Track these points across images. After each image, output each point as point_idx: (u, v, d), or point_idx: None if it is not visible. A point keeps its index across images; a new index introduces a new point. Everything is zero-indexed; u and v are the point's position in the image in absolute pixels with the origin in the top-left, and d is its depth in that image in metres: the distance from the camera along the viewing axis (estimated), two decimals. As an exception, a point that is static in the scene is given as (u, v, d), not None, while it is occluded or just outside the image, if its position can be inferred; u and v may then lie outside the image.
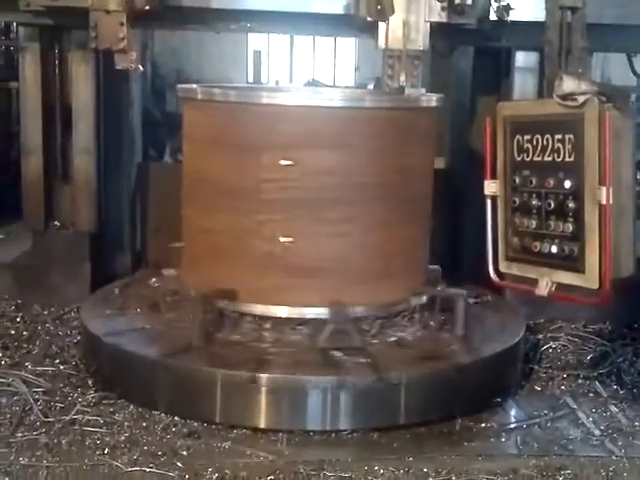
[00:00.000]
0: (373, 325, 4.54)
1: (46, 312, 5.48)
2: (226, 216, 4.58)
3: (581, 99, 3.67)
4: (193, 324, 4.30)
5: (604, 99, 3.66)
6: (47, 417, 4.03)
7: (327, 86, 11.53)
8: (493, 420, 4.21)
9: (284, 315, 4.49)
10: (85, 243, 5.72)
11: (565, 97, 3.72)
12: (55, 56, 5.75)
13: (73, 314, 5.38)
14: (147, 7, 5.06)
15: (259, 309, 4.52)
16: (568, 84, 3.71)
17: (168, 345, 4.28)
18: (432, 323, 4.63)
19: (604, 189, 3.59)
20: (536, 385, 4.68)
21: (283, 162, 4.37)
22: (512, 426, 4.19)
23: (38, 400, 4.19)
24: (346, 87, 12.66)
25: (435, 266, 5.02)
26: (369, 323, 4.53)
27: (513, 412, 4.36)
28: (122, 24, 5.08)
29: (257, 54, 15.82)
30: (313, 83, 12.05)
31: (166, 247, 5.12)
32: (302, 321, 4.50)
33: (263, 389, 4.00)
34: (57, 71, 5.77)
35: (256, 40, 16.80)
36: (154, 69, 12.96)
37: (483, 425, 4.15)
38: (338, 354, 4.19)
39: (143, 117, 7.69)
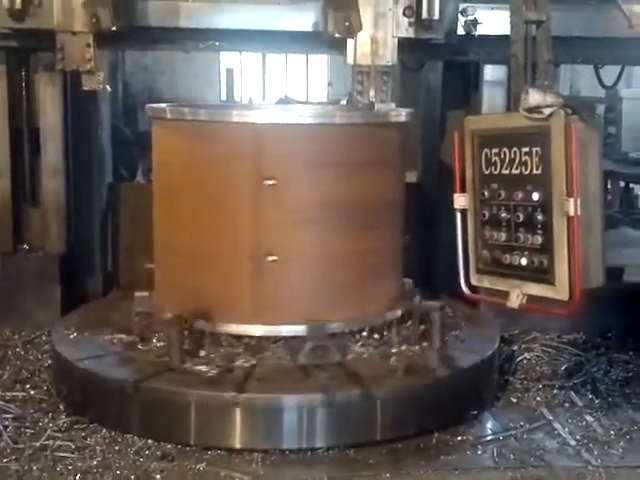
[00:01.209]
0: (349, 341, 4.52)
1: (16, 336, 5.40)
2: (197, 236, 4.55)
3: (547, 112, 3.69)
4: (169, 345, 4.26)
5: (570, 111, 3.69)
6: (17, 444, 3.96)
7: (300, 103, 11.54)
8: (469, 433, 4.19)
9: (259, 334, 4.46)
10: (55, 266, 5.66)
11: (531, 110, 3.74)
12: (22, 78, 5.70)
13: (44, 338, 5.30)
14: (114, 28, 5.04)
15: (233, 328, 4.49)
16: (534, 97, 3.74)
17: (141, 368, 4.24)
18: (407, 337, 4.61)
19: (572, 201, 3.61)
20: (512, 397, 4.68)
21: (264, 181, 4.35)
22: (488, 438, 4.18)
23: (8, 427, 4.12)
24: (318, 103, 12.68)
25: (408, 279, 5.01)
26: (344, 339, 4.51)
27: (489, 424, 4.35)
28: (89, 45, 5.08)
29: (230, 72, 15.81)
30: (286, 100, 12.06)
31: (138, 268, 5.07)
32: (277, 339, 4.46)
33: (237, 409, 3.96)
34: (24, 93, 5.72)
35: (228, 58, 16.82)
36: (125, 88, 12.94)
37: (459, 438, 4.14)
38: (314, 371, 4.17)
39: (114, 137, 7.66)
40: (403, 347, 4.55)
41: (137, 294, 4.78)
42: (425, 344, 4.55)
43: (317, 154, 4.47)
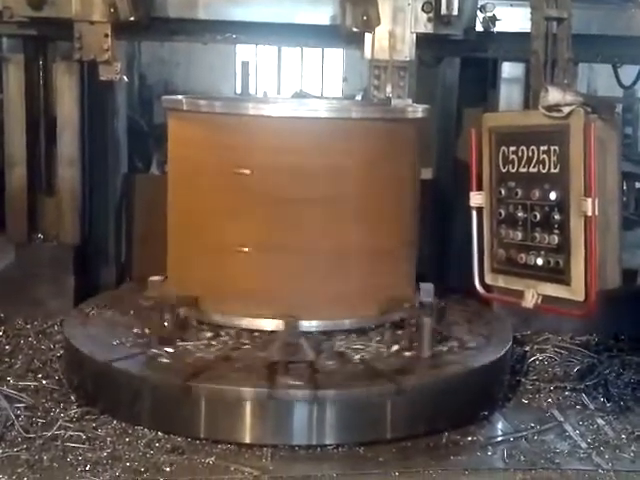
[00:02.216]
0: (354, 338, 4.51)
1: (29, 326, 5.41)
2: (200, 225, 4.57)
3: (566, 110, 3.66)
4: (150, 330, 4.31)
5: (589, 110, 3.66)
6: (28, 433, 3.97)
7: (314, 97, 11.52)
8: (480, 433, 4.17)
9: (239, 324, 4.48)
10: (69, 255, 5.66)
11: (550, 108, 3.71)
12: (39, 67, 5.71)
13: (56, 328, 5.31)
14: (132, 18, 5.03)
15: (218, 318, 4.52)
16: (553, 95, 3.71)
17: (152, 360, 4.24)
18: (420, 335, 4.58)
19: (589, 200, 3.58)
20: (523, 398, 4.65)
21: (270, 172, 4.33)
22: (499, 439, 4.16)
23: (20, 416, 4.13)
24: (333, 98, 12.66)
25: (428, 284, 4.87)
26: (323, 337, 4.49)
27: (500, 425, 4.33)
28: (106, 35, 5.06)
29: (245, 65, 15.81)
30: (301, 94, 12.05)
31: (151, 259, 5.07)
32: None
33: (247, 403, 3.96)
34: (41, 82, 5.72)
35: (244, 51, 16.81)
36: (141, 80, 12.95)
37: (470, 439, 4.12)
38: (323, 367, 4.16)
39: (130, 128, 7.64)
40: (391, 350, 4.50)
41: (151, 279, 4.79)
42: (414, 350, 4.49)
43: (332, 148, 4.45)
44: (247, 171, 4.41)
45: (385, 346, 4.48)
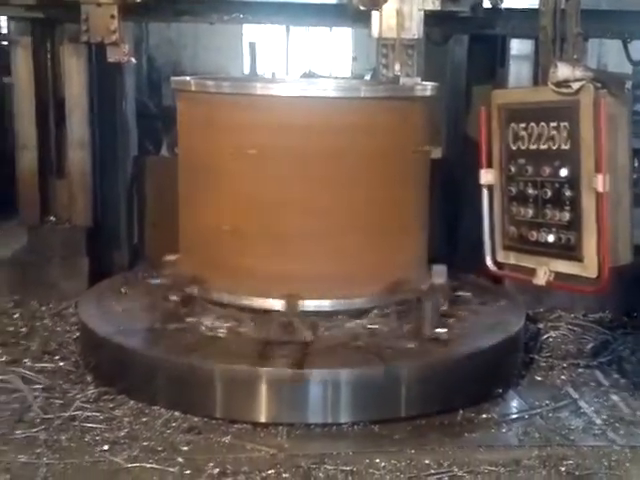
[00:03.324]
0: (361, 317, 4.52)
1: (44, 308, 5.46)
2: (209, 204, 4.59)
3: (576, 86, 3.64)
4: (154, 309, 4.37)
5: (599, 85, 3.64)
6: (46, 414, 4.01)
7: (323, 77, 11.47)
8: (494, 411, 4.19)
9: (242, 303, 4.47)
10: (82, 238, 5.70)
11: (560, 84, 3.69)
12: (47, 50, 5.72)
13: (71, 310, 5.35)
14: (139, -1, 5.03)
15: (225, 297, 4.53)
16: (562, 71, 3.69)
17: (168, 341, 4.27)
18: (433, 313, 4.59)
19: (600, 177, 3.57)
20: (537, 375, 4.67)
21: (279, 152, 4.34)
22: (513, 417, 4.18)
23: (37, 397, 4.18)
24: (342, 77, 12.60)
25: (440, 265, 4.83)
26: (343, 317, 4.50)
27: (514, 402, 4.35)
28: (113, 17, 5.06)
29: (253, 46, 15.73)
30: (310, 74, 11.99)
31: (163, 240, 5.10)
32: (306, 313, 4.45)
33: (264, 383, 3.99)
34: (50, 65, 5.74)
35: (252, 32, 16.72)
36: (150, 62, 12.90)
37: (484, 416, 4.14)
38: (338, 347, 4.18)
39: (139, 110, 7.66)
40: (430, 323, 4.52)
41: (166, 258, 4.82)
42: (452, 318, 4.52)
43: (342, 128, 4.44)
44: (254, 151, 4.41)
45: (392, 326, 4.47)
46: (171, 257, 4.84)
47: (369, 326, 4.47)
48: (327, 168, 4.45)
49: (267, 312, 4.43)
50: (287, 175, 4.43)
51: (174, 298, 4.51)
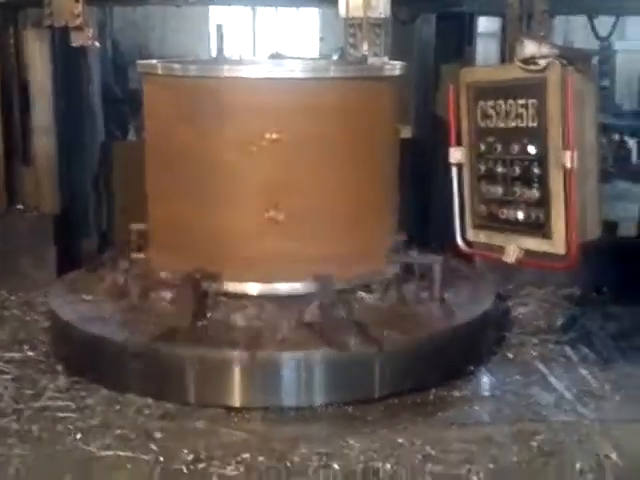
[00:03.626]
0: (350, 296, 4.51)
1: (13, 297, 5.40)
2: (194, 194, 4.51)
3: (543, 63, 3.65)
4: (181, 305, 4.26)
5: (565, 62, 3.65)
6: (17, 404, 3.97)
7: (291, 58, 11.39)
8: (466, 389, 4.22)
9: (255, 293, 4.44)
10: (50, 226, 5.63)
11: (527, 61, 3.70)
12: (10, 35, 5.63)
13: (40, 299, 5.29)
14: (102, -18, 4.96)
15: (231, 287, 4.45)
16: (529, 48, 3.69)
17: (139, 328, 4.24)
18: (405, 293, 4.61)
19: (568, 153, 3.59)
20: (508, 352, 4.70)
21: (267, 135, 4.31)
22: (485, 394, 4.22)
23: (7, 387, 4.13)
24: (310, 58, 12.53)
25: (401, 235, 4.92)
26: (346, 295, 4.48)
27: (486, 380, 4.37)
28: (77, 0, 4.98)
29: (219, 28, 15.61)
30: (277, 55, 11.90)
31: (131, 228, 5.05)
32: (274, 298, 4.44)
33: (236, 367, 3.98)
34: (13, 50, 5.65)
35: (218, 14, 16.59)
36: (115, 45, 12.74)
37: (456, 394, 4.16)
38: (313, 328, 4.17)
39: (105, 95, 7.57)
40: (398, 303, 4.53)
41: (134, 256, 4.77)
42: (421, 300, 4.54)
43: (310, 109, 4.41)
44: (229, 135, 4.37)
45: (395, 298, 4.49)
46: (139, 255, 4.79)
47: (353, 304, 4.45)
48: (294, 150, 4.42)
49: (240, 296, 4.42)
50: (254, 158, 4.40)
51: (142, 284, 4.46)
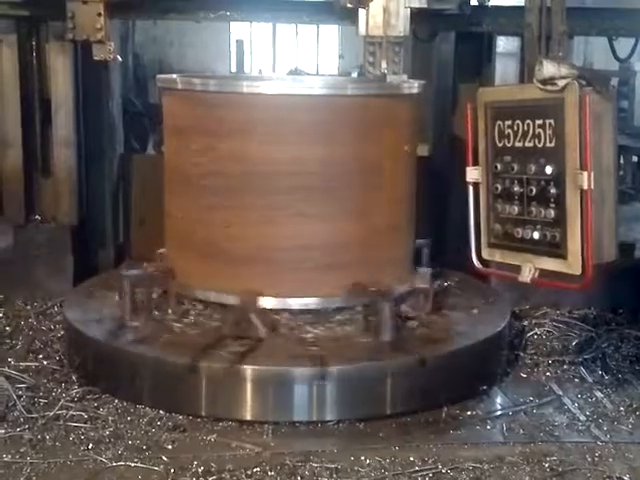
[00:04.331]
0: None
1: (29, 307, 5.43)
2: (212, 209, 4.55)
3: (561, 83, 3.65)
4: (124, 302, 4.35)
5: (584, 83, 3.65)
6: (31, 413, 3.99)
7: (310, 75, 11.47)
8: (479, 408, 4.20)
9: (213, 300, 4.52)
10: (67, 236, 5.67)
11: (545, 82, 3.70)
12: (33, 48, 5.69)
13: (56, 308, 5.33)
14: (124, -3, 5.02)
15: (190, 293, 4.57)
16: (548, 68, 3.69)
17: (153, 339, 4.26)
18: (417, 311, 4.61)
19: (585, 174, 3.58)
20: (521, 372, 4.68)
21: (265, 150, 4.32)
22: (498, 413, 4.19)
23: (21, 396, 4.15)
24: (329, 75, 12.60)
25: (424, 268, 4.89)
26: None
27: (499, 399, 4.36)
28: (99, 14, 5.05)
29: (240, 43, 15.73)
30: (296, 72, 11.99)
31: (149, 239, 5.09)
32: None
33: (249, 381, 3.98)
34: (35, 63, 5.70)
35: (239, 29, 16.72)
36: (136, 60, 12.87)
37: (469, 413, 4.15)
38: (322, 344, 4.17)
39: (125, 108, 7.64)
40: (414, 321, 4.52)
41: (149, 267, 4.81)
42: (436, 316, 4.52)
43: (329, 125, 4.44)
44: (243, 149, 4.40)
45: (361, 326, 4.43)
46: (161, 251, 4.86)
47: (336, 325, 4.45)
48: (314, 165, 4.44)
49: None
50: (274, 173, 4.41)
51: (154, 296, 4.49)
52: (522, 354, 4.88)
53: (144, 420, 3.96)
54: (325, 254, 4.49)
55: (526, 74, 4.00)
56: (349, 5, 4.87)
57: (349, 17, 5.07)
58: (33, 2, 5.25)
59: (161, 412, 4.02)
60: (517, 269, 3.90)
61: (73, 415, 3.97)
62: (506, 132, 3.92)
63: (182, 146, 4.72)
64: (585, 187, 3.59)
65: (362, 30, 4.89)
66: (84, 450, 3.68)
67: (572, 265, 3.67)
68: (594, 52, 12.63)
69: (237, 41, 16.13)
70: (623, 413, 4.19)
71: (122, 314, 4.42)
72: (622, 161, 9.35)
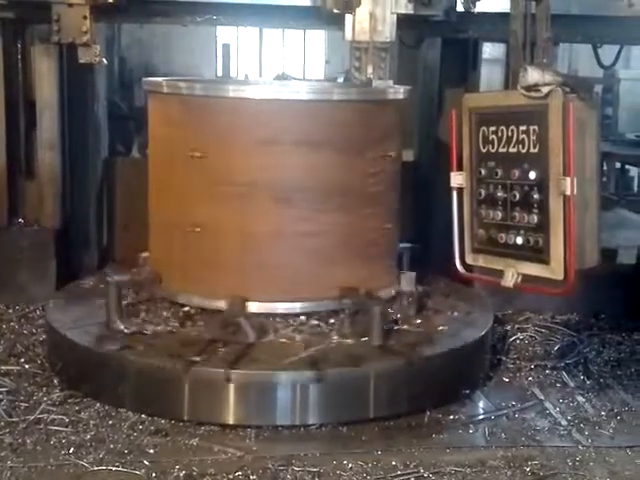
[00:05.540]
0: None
1: (11, 310, 5.39)
2: (196, 213, 4.54)
3: (545, 90, 3.67)
4: (107, 309, 4.34)
5: (568, 90, 3.67)
6: (11, 417, 3.97)
7: (296, 79, 11.46)
8: (461, 412, 4.21)
9: (187, 303, 4.54)
10: (50, 240, 5.64)
11: (529, 88, 3.72)
12: (18, 50, 5.66)
13: (38, 312, 5.30)
14: (111, 0, 5.00)
15: (167, 296, 4.59)
16: (532, 75, 3.71)
17: (134, 342, 4.24)
18: (401, 315, 4.62)
19: (568, 180, 3.60)
20: (504, 376, 4.70)
21: (271, 155, 4.35)
22: (480, 417, 4.21)
23: (2, 400, 4.12)
24: (315, 80, 12.61)
25: (409, 272, 4.84)
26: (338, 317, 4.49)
27: (481, 404, 4.37)
28: (85, 17, 5.03)
29: (226, 47, 15.73)
30: (283, 76, 11.97)
31: (133, 242, 5.07)
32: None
33: (232, 385, 3.97)
34: (20, 65, 5.68)
35: (225, 33, 16.72)
36: (121, 63, 12.84)
37: (451, 417, 4.16)
38: (307, 348, 4.17)
39: (110, 111, 7.61)
40: (398, 325, 4.53)
41: (133, 271, 4.79)
42: (419, 320, 4.53)
43: (314, 130, 4.45)
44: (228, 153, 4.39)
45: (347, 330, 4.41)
46: (145, 254, 4.85)
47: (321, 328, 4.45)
48: (297, 171, 4.45)
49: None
50: (258, 178, 4.41)
51: (137, 300, 4.48)
52: (505, 358, 4.90)
53: (126, 424, 3.94)
54: (312, 258, 4.50)
55: (511, 80, 4.02)
56: (336, 10, 4.89)
57: (336, 22, 5.08)
58: (18, 4, 5.22)
59: (143, 416, 4.01)
60: (500, 274, 3.91)
61: (54, 419, 3.95)
62: (490, 138, 3.93)
63: (167, 149, 4.72)
64: (568, 193, 3.60)
65: (348, 35, 4.91)
66: (65, 454, 3.66)
67: (555, 270, 3.68)
68: (579, 59, 12.71)
69: (223, 45, 16.13)
70: (604, 418, 4.21)
71: (106, 318, 4.38)
72: (605, 168, 9.40)
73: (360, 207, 4.61)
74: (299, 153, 4.46)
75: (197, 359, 4.02)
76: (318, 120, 4.46)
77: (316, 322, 4.48)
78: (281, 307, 4.49)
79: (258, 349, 4.17)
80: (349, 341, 4.30)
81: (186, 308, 4.58)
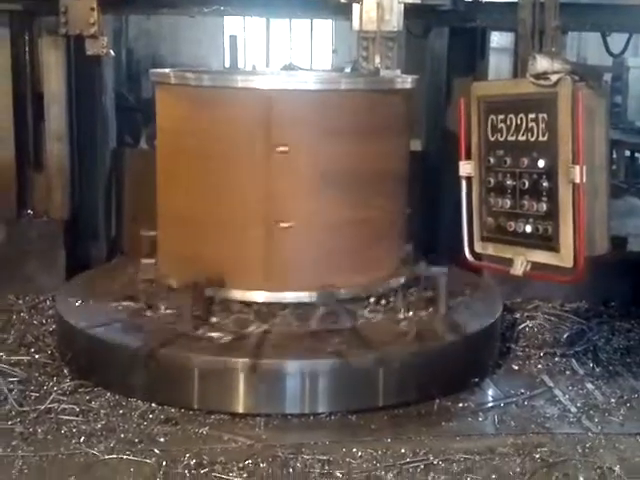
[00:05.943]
0: (356, 307, 4.51)
1: (21, 301, 5.42)
2: (204, 203, 4.54)
3: (554, 78, 3.66)
4: (181, 311, 4.28)
5: (577, 78, 3.66)
6: (22, 406, 3.99)
7: (304, 69, 11.44)
8: (471, 400, 4.22)
9: (270, 300, 4.45)
10: (59, 231, 5.66)
11: (538, 76, 3.71)
12: (26, 42, 5.67)
13: (48, 303, 5.33)
14: (118, -9, 5.01)
15: (244, 295, 4.48)
16: (541, 63, 3.70)
17: (145, 333, 4.25)
18: (413, 303, 4.62)
19: (577, 168, 3.59)
20: (513, 364, 4.70)
21: (275, 148, 4.35)
22: (489, 405, 4.21)
23: (13, 390, 4.15)
24: (323, 70, 12.58)
25: (408, 245, 4.97)
26: (352, 305, 4.49)
27: (490, 391, 4.38)
28: (93, 9, 5.04)
29: (233, 38, 15.69)
30: (290, 67, 11.96)
31: (141, 234, 5.08)
32: (286, 306, 4.45)
33: (241, 374, 3.98)
34: (28, 57, 5.68)
35: (232, 24, 16.68)
36: (129, 54, 12.84)
37: (461, 405, 4.16)
38: (320, 338, 4.18)
39: (118, 103, 7.61)
40: (409, 313, 4.54)
41: (143, 261, 4.80)
42: (431, 310, 4.56)
43: (322, 120, 4.44)
44: (242, 145, 4.39)
45: (404, 308, 4.52)
46: (148, 261, 4.81)
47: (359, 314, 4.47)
48: (305, 160, 4.45)
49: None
50: (265, 169, 4.41)
51: (151, 290, 4.48)
52: (514, 346, 4.90)
53: (136, 413, 3.96)
54: (372, 242, 4.59)
55: (519, 69, 4.01)
56: (343, 0, 4.88)
57: (343, 12, 5.07)
58: (26, -4, 5.23)
59: (153, 405, 4.02)
60: (509, 262, 3.91)
61: (65, 408, 3.97)
62: (499, 126, 3.92)
63: (175, 140, 4.72)
64: (577, 181, 3.60)
65: (356, 25, 4.89)
66: (76, 443, 3.68)
67: (564, 258, 3.68)
68: (587, 47, 12.65)
69: (231, 36, 16.08)
70: (614, 405, 4.22)
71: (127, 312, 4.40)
72: (615, 155, 9.37)
73: (371, 194, 4.59)
74: (305, 143, 4.45)
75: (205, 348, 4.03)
76: (326, 110, 4.44)
77: (384, 302, 4.57)
78: (346, 293, 4.49)
79: (261, 338, 4.18)
80: (423, 313, 4.48)
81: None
